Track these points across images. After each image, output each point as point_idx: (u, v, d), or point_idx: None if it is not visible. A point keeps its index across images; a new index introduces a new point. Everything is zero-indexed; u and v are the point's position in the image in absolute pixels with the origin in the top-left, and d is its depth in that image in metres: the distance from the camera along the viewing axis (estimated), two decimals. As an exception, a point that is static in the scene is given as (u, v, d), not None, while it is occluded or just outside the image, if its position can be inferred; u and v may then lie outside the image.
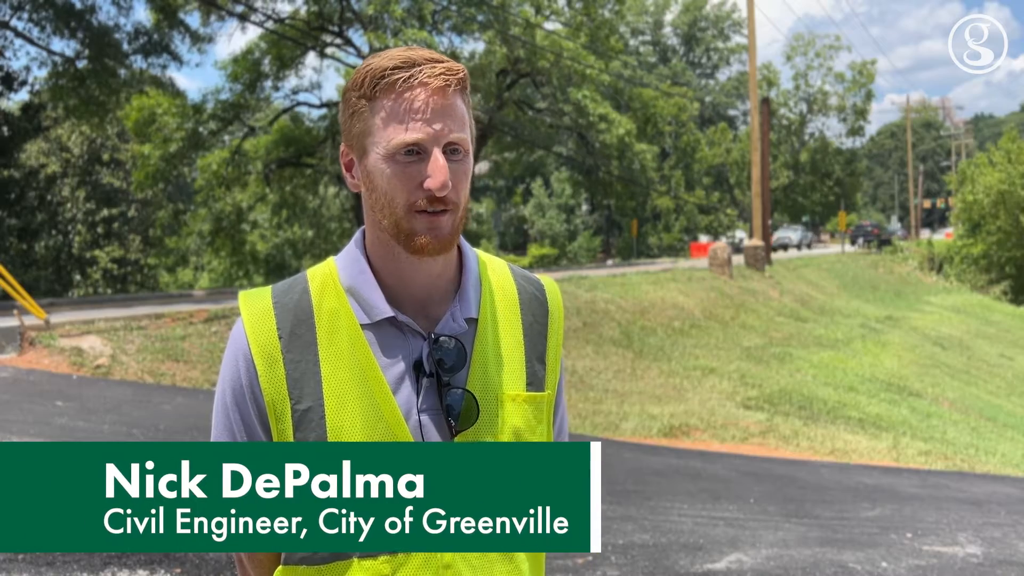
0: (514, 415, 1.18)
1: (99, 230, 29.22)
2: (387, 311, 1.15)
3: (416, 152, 1.10)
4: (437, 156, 1.10)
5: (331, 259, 1.24)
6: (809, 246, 47.55)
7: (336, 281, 1.19)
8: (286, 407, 1.13)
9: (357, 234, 1.24)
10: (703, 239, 45.06)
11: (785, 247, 43.51)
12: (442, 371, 1.14)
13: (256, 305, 1.18)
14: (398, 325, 1.16)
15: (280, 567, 1.16)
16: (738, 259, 23.30)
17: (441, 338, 1.15)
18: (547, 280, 1.32)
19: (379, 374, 1.14)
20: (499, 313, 1.23)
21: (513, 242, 51.14)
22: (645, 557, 4.49)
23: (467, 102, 1.16)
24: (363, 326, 1.16)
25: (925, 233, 59.30)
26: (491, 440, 1.16)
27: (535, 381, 1.22)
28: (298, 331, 1.15)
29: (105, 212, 29.11)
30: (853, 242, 46.84)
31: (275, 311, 1.17)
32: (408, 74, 1.10)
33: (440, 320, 1.18)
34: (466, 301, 1.20)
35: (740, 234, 49.75)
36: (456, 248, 1.22)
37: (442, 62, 1.11)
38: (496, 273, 1.27)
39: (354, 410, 1.12)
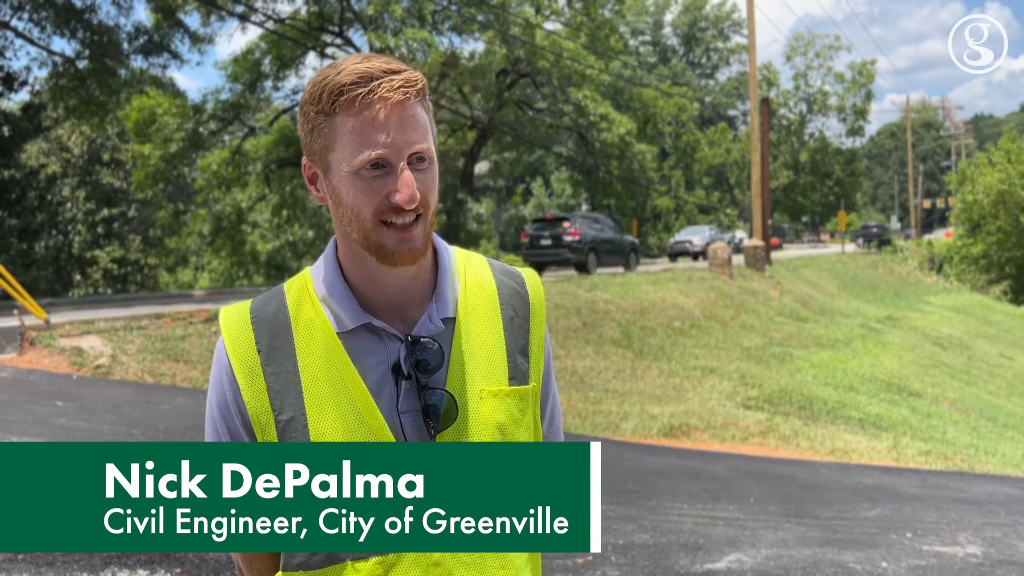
0: (497, 410, 1.18)
1: (99, 230, 29.22)
2: (361, 318, 1.16)
3: (381, 166, 1.11)
4: (403, 170, 1.10)
5: (307, 269, 1.25)
6: None
7: (311, 291, 1.20)
8: (270, 418, 1.14)
9: (330, 243, 1.25)
10: (703, 239, 44.91)
11: (684, 253, 31.20)
12: (421, 372, 1.15)
13: (235, 321, 1.20)
14: (374, 330, 1.17)
15: (279, 574, 1.16)
16: (738, 259, 23.30)
17: (422, 339, 1.16)
18: (528, 272, 1.32)
19: (358, 380, 1.14)
20: (478, 310, 1.23)
21: (513, 242, 51.07)
22: (645, 557, 4.49)
23: (427, 108, 1.15)
24: (339, 334, 1.16)
25: (939, 234, 59.22)
26: (473, 437, 1.16)
27: (518, 375, 1.22)
28: (276, 343, 1.17)
29: (105, 212, 29.12)
30: (854, 241, 46.73)
31: (253, 326, 1.18)
32: (367, 89, 1.09)
33: (417, 322, 1.18)
34: (443, 301, 1.20)
35: (740, 234, 49.67)
36: (431, 248, 1.22)
37: (399, 73, 1.10)
38: (474, 269, 1.27)
39: (335, 417, 1.13)
